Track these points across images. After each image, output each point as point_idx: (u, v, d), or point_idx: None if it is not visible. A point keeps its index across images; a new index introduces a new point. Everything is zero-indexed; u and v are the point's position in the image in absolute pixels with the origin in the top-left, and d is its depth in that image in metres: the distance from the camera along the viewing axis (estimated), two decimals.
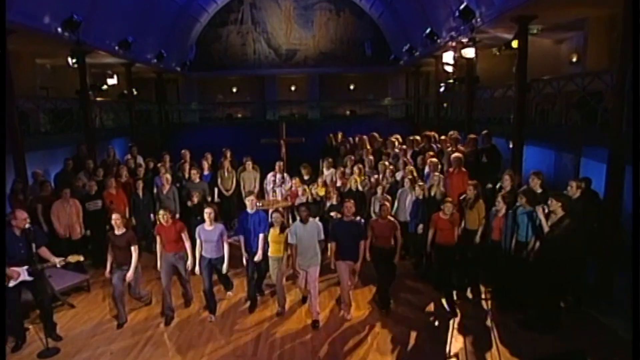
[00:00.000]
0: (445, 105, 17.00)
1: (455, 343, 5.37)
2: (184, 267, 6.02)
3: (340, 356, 5.11)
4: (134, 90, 15.56)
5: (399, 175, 8.43)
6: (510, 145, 10.39)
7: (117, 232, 5.80)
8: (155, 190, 8.75)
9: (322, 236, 5.93)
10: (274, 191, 9.45)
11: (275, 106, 21.77)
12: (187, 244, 5.93)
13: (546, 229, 5.46)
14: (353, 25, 21.41)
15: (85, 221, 7.54)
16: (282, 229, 6.00)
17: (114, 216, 5.84)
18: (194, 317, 6.08)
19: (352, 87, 23.49)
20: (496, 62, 15.15)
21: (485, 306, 6.32)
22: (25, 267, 5.06)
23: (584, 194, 6.12)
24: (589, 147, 8.11)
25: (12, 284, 5.00)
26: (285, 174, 9.59)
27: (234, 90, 23.14)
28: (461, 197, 6.97)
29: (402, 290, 6.80)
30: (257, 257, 6.04)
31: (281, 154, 10.81)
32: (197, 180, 8.75)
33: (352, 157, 9.48)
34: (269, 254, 6.10)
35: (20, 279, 5.04)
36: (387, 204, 6.58)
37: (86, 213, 7.58)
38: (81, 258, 5.33)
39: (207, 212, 5.87)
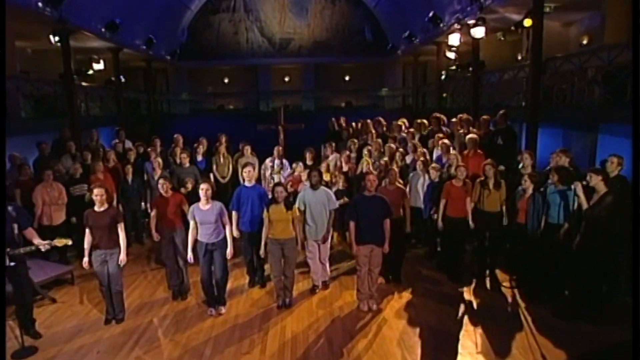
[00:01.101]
0: (445, 95, 16.50)
1: (486, 335, 4.80)
2: (182, 249, 5.36)
3: (361, 351, 4.51)
4: (121, 77, 14.78)
5: (408, 159, 7.97)
6: None
7: (99, 208, 4.93)
8: (145, 177, 8.16)
9: (336, 204, 5.78)
10: (272, 178, 8.91)
11: (269, 97, 21.09)
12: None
13: (585, 206, 4.92)
14: (349, 14, 20.82)
15: (69, 207, 6.84)
16: (288, 205, 5.31)
17: (97, 190, 4.90)
18: (192, 311, 5.43)
19: (347, 78, 22.92)
20: (498, 49, 14.74)
21: (511, 295, 5.78)
22: (6, 249, 4.37)
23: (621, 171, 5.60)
24: (610, 124, 7.65)
25: None
26: (284, 160, 9.06)
27: (226, 81, 22.42)
28: (479, 179, 6.45)
29: (419, 279, 6.25)
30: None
31: (279, 141, 10.29)
32: (187, 164, 8.05)
33: (356, 141, 8.94)
34: (271, 235, 5.35)
35: None
36: (395, 169, 6.22)
37: (70, 199, 6.87)
38: (69, 242, 4.62)
39: (203, 188, 5.10)
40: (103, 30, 12.16)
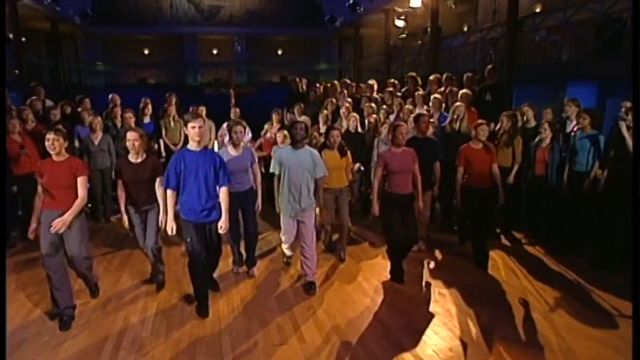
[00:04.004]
0: (384, 69, 16.03)
1: (539, 294, 4.17)
2: (78, 243, 3.62)
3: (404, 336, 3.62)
4: (22, 37, 12.15)
5: (391, 118, 7.32)
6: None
7: (135, 158, 3.95)
8: (77, 143, 6.54)
9: (324, 170, 4.26)
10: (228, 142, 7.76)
11: (197, 70, 19.13)
12: (82, 193, 3.57)
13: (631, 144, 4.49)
14: None
15: None
16: (342, 151, 4.73)
17: (130, 134, 3.91)
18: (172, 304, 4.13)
19: (280, 52, 21.64)
20: (445, 19, 14.51)
21: (536, 251, 5.29)
22: None
23: None
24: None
25: None
26: (243, 122, 7.95)
27: (146, 51, 19.97)
28: (494, 130, 5.90)
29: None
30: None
31: (231, 105, 9.14)
32: (133, 126, 6.62)
33: (333, 100, 8.04)
34: (326, 185, 4.48)
35: None
36: (403, 124, 5.08)
37: None
38: None
39: (237, 130, 4.25)
40: None
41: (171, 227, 3.67)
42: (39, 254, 4.92)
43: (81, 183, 3.54)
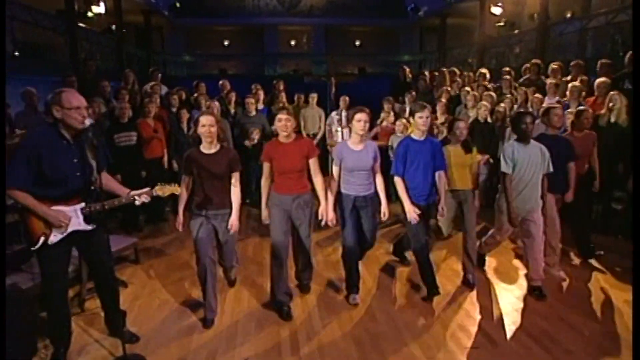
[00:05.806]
0: (470, 61, 15.17)
1: None
2: (308, 225, 3.55)
3: None
4: (122, 29, 12.62)
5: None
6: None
7: (208, 149, 3.24)
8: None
9: (551, 166, 3.83)
10: (337, 131, 7.55)
11: (276, 61, 19.15)
12: (320, 177, 3.52)
13: None
14: None
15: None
16: (467, 146, 4.09)
17: (206, 119, 3.15)
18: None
19: (357, 42, 21.21)
20: (544, 6, 13.48)
21: None
22: (80, 205, 2.69)
23: None
24: None
25: (55, 237, 2.63)
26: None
27: (226, 43, 20.26)
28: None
29: None
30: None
31: (331, 94, 8.86)
32: (253, 112, 6.59)
33: (448, 89, 7.59)
34: (448, 186, 3.98)
35: (71, 228, 2.66)
36: (589, 109, 4.75)
37: (112, 150, 5.09)
38: (177, 190, 2.96)
39: (361, 118, 3.40)
40: None
41: (416, 213, 3.54)
42: (167, 238, 4.97)
43: (314, 164, 3.45)
